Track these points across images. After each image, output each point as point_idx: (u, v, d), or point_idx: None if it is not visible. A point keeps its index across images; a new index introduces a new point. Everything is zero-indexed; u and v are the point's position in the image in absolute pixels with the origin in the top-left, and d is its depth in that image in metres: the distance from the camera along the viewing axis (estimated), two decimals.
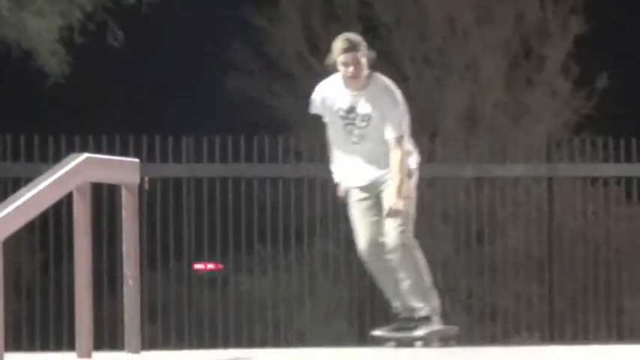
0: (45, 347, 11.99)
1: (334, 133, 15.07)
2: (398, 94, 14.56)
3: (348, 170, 14.79)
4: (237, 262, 24.64)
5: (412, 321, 13.96)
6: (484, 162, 24.39)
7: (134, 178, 11.80)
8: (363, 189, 14.74)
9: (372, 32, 24.83)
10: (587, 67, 26.00)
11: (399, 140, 14.36)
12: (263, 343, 18.54)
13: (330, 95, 14.86)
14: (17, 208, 10.54)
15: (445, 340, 13.90)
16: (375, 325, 20.47)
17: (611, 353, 12.20)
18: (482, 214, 24.81)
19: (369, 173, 14.51)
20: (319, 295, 23.83)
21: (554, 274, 24.17)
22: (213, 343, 17.34)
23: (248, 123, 25.17)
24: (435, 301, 14.30)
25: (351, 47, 14.28)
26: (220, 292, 23.46)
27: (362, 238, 14.78)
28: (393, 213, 14.35)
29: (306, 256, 24.56)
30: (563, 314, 23.07)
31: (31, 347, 11.13)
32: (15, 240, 10.69)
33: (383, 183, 14.45)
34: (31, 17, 22.00)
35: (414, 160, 14.70)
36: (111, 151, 12.42)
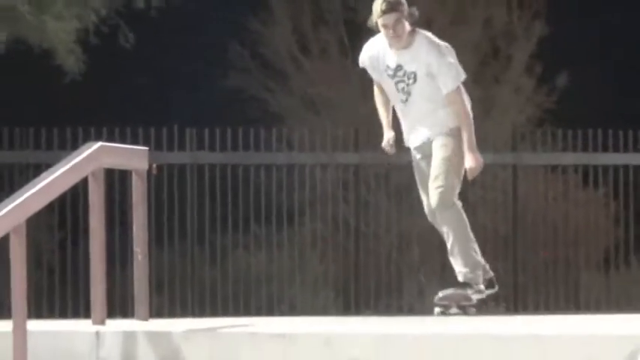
0: (63, 315, 12.01)
1: (389, 93, 13.91)
2: (444, 46, 13.45)
3: (405, 130, 13.69)
4: (235, 240, 24.66)
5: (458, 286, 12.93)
6: None
7: (143, 165, 11.86)
8: (417, 149, 13.69)
9: (355, 34, 24.91)
10: (548, 67, 26.06)
11: (458, 92, 13.47)
12: (258, 312, 18.52)
13: (377, 54, 13.85)
14: (38, 191, 10.62)
15: (462, 308, 12.66)
16: (359, 296, 20.61)
17: (569, 322, 12.11)
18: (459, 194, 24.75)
19: (420, 133, 13.45)
20: (308, 270, 23.89)
21: (517, 251, 24.33)
22: (213, 312, 17.32)
23: (245, 116, 25.22)
24: (475, 268, 13.05)
25: (390, 8, 12.97)
26: (220, 267, 23.44)
27: (424, 202, 13.80)
28: (474, 170, 13.54)
29: (297, 234, 24.49)
30: (526, 287, 23.43)
31: (50, 315, 11.16)
32: (36, 219, 10.73)
33: (433, 141, 13.32)
34: (51, 20, 21.97)
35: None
36: (122, 140, 12.48)
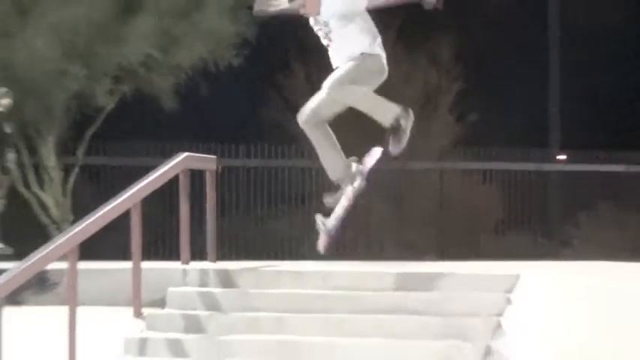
0: (164, 259, 12.14)
1: None
2: None
3: None
4: (269, 213, 24.27)
5: None
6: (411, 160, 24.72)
7: (213, 167, 12.15)
8: None
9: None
10: (464, 108, 25.86)
11: None
12: (284, 258, 18.58)
13: None
14: (151, 181, 10.89)
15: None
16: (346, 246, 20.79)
17: (469, 265, 12.28)
18: (408, 187, 24.99)
19: None
20: (313, 232, 23.81)
21: (442, 223, 24.35)
22: (257, 257, 17.32)
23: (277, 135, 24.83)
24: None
25: None
26: (259, 229, 23.49)
27: None
28: None
29: (306, 210, 24.36)
30: (447, 245, 22.95)
31: (156, 259, 11.31)
32: (150, 199, 10.83)
33: None
34: (157, 78, 21.88)
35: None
36: (201, 151, 12.61)
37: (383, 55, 10.19)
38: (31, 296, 10.48)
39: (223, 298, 10.62)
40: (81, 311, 9.74)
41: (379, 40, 10.14)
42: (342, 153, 10.24)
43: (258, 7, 10.44)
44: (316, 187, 24.19)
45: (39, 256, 9.82)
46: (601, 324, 9.47)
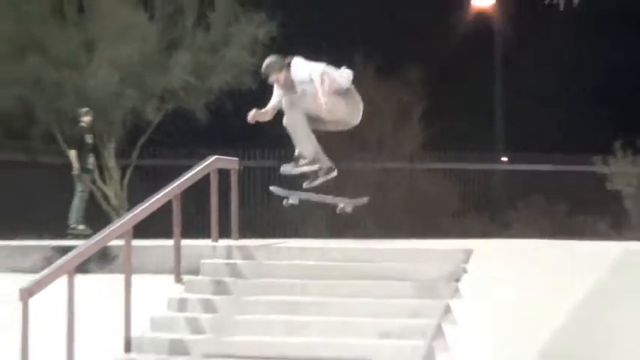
0: (200, 238, 11.99)
1: None
2: None
3: None
4: (278, 202, 23.37)
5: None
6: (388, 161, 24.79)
7: (236, 167, 12.06)
8: None
9: None
10: (429, 120, 25.76)
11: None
12: (294, 236, 17.70)
13: None
14: (187, 178, 10.80)
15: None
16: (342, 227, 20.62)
17: (438, 243, 12.07)
18: (386, 182, 24.92)
19: None
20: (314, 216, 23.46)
21: (414, 211, 24.26)
22: (272, 236, 17.09)
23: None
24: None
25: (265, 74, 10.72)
26: (272, 215, 22.46)
27: None
28: None
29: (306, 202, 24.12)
30: (417, 227, 22.15)
31: (192, 237, 11.18)
32: (187, 192, 10.79)
33: None
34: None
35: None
36: (227, 154, 12.50)
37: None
38: (96, 266, 10.48)
39: (244, 267, 10.61)
40: (134, 278, 9.76)
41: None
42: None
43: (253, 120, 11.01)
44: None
45: (102, 235, 9.88)
46: (532, 283, 9.64)
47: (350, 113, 10.63)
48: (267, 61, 10.50)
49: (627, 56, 26.06)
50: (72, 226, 16.78)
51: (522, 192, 25.38)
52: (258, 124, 11.61)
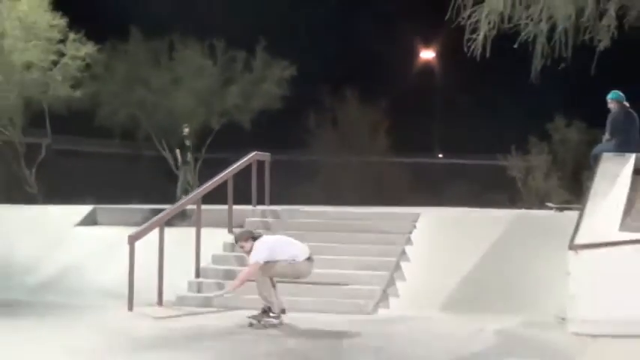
0: (244, 204, 11.79)
1: None
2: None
3: None
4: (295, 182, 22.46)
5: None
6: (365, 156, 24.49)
7: (268, 159, 11.88)
8: None
9: None
10: (392, 131, 25.68)
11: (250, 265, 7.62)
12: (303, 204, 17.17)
13: None
14: (236, 166, 10.69)
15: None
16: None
17: (397, 209, 11.88)
18: (364, 171, 24.85)
19: None
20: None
21: (380, 189, 24.01)
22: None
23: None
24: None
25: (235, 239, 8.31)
26: (291, 190, 20.54)
27: None
28: None
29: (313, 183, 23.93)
30: (384, 200, 20.98)
31: (239, 204, 11.02)
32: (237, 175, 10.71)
33: None
34: None
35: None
36: (262, 151, 12.30)
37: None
38: (178, 222, 10.45)
39: (273, 223, 10.45)
40: (202, 230, 9.66)
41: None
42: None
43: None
44: (314, 171, 24.00)
45: (182, 201, 10.02)
46: (459, 234, 9.52)
47: (289, 273, 8.01)
48: (239, 232, 8.44)
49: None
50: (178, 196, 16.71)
51: (453, 177, 25.38)
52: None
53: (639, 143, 10.07)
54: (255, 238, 8.04)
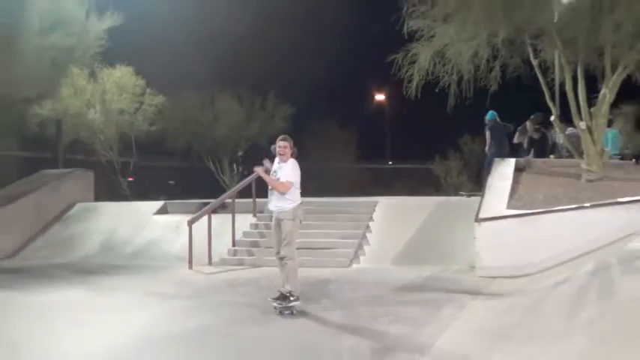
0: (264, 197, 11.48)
1: None
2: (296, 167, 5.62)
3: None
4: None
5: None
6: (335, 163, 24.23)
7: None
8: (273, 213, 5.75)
9: None
10: (355, 145, 25.54)
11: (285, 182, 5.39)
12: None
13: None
14: (256, 174, 10.38)
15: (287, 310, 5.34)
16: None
17: (363, 199, 11.35)
18: (336, 173, 23.94)
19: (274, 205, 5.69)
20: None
21: (346, 186, 22.79)
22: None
23: None
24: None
25: (283, 138, 5.67)
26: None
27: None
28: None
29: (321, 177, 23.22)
30: (352, 192, 17.84)
31: (260, 197, 10.79)
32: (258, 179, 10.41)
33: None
34: None
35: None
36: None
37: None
38: (220, 210, 10.37)
39: None
40: (236, 215, 9.53)
41: None
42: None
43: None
44: (307, 173, 23.51)
45: (223, 196, 9.73)
46: (404, 214, 9.32)
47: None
48: (283, 136, 5.72)
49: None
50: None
51: (399, 177, 25.21)
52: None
53: (508, 147, 10.37)
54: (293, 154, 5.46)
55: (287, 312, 5.31)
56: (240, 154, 17.09)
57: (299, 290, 5.48)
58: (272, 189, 5.53)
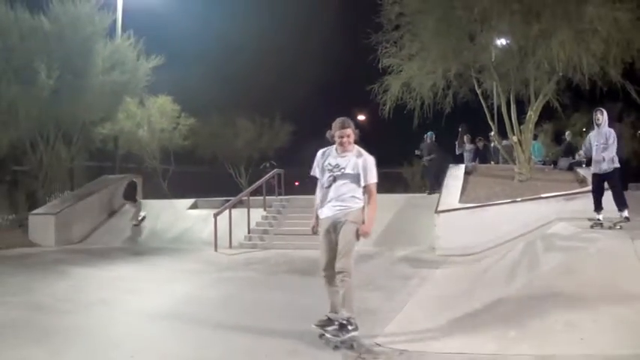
0: (271, 195, 10.34)
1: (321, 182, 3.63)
2: (371, 157, 3.50)
3: (322, 205, 3.69)
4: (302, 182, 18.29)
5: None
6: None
7: (282, 173, 10.67)
8: (328, 219, 3.67)
9: None
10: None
11: (374, 186, 3.48)
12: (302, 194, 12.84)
13: (322, 157, 3.67)
14: (267, 177, 9.88)
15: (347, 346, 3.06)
16: None
17: None
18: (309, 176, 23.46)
19: (334, 209, 3.55)
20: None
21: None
22: None
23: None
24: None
25: (347, 126, 3.57)
26: (298, 188, 16.68)
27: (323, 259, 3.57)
28: (366, 235, 3.66)
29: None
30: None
31: (269, 195, 10.77)
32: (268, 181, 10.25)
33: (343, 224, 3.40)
34: None
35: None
36: (280, 168, 11.76)
37: None
38: (238, 206, 10.16)
39: (286, 205, 10.10)
40: (251, 210, 9.40)
41: None
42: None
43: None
44: (304, 176, 22.93)
45: (240, 195, 9.62)
46: (382, 206, 9.24)
47: None
48: (344, 118, 3.70)
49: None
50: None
51: (378, 179, 24.41)
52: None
53: (444, 158, 10.65)
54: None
55: (344, 346, 3.15)
56: (267, 165, 17.00)
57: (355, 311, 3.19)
58: (324, 186, 3.49)
